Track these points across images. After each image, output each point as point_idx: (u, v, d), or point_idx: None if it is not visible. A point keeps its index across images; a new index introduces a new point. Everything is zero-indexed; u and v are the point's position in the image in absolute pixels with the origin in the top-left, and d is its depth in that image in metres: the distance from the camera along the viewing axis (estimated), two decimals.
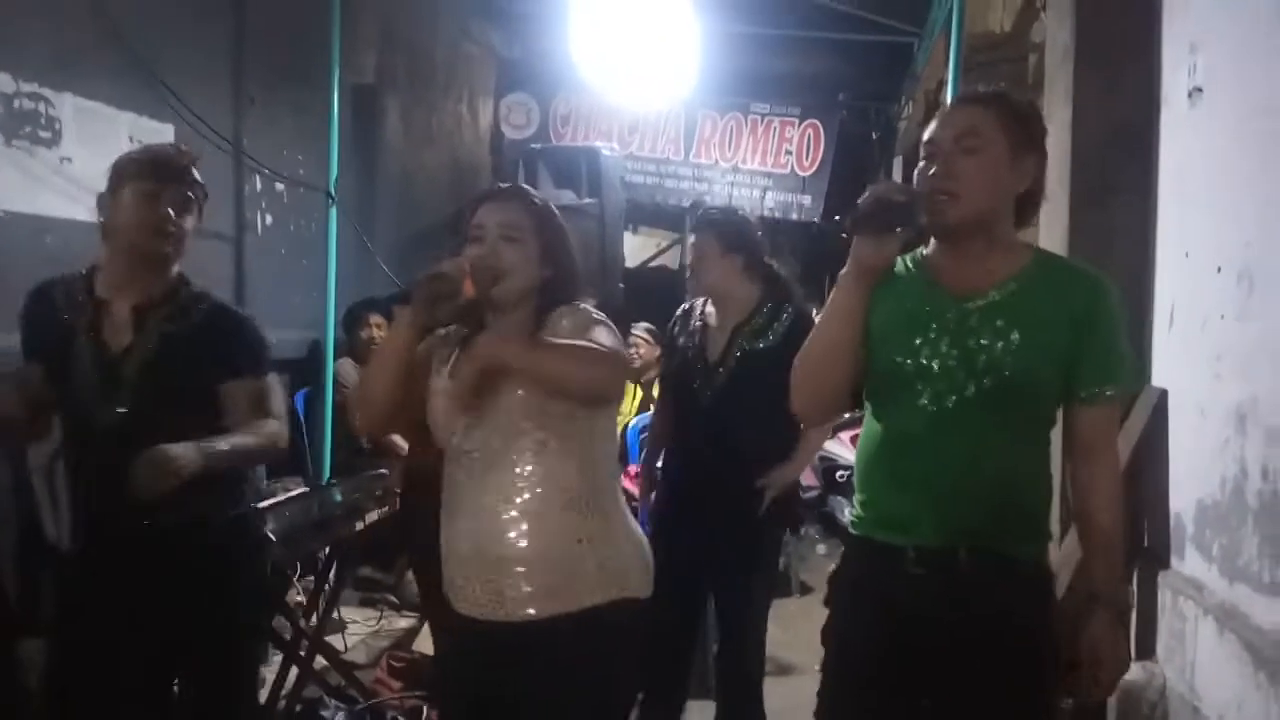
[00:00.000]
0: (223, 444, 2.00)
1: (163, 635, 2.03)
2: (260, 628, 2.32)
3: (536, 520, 1.70)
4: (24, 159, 3.02)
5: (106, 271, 2.06)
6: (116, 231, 2.02)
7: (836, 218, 1.75)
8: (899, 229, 1.62)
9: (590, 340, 1.70)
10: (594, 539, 1.74)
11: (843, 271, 1.69)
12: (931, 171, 1.64)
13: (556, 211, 1.87)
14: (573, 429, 1.74)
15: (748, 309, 2.82)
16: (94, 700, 2.02)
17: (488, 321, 1.79)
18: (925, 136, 1.69)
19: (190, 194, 2.05)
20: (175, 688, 2.12)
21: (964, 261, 1.67)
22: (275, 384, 2.21)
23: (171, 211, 2.00)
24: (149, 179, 2.00)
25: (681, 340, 2.92)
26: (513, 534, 1.70)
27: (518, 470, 1.72)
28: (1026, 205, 1.70)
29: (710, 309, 2.89)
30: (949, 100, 1.79)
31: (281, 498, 2.89)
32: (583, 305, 1.81)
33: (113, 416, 1.99)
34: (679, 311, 3.01)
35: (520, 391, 1.70)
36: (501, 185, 1.93)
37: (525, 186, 1.92)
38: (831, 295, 1.71)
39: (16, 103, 2.99)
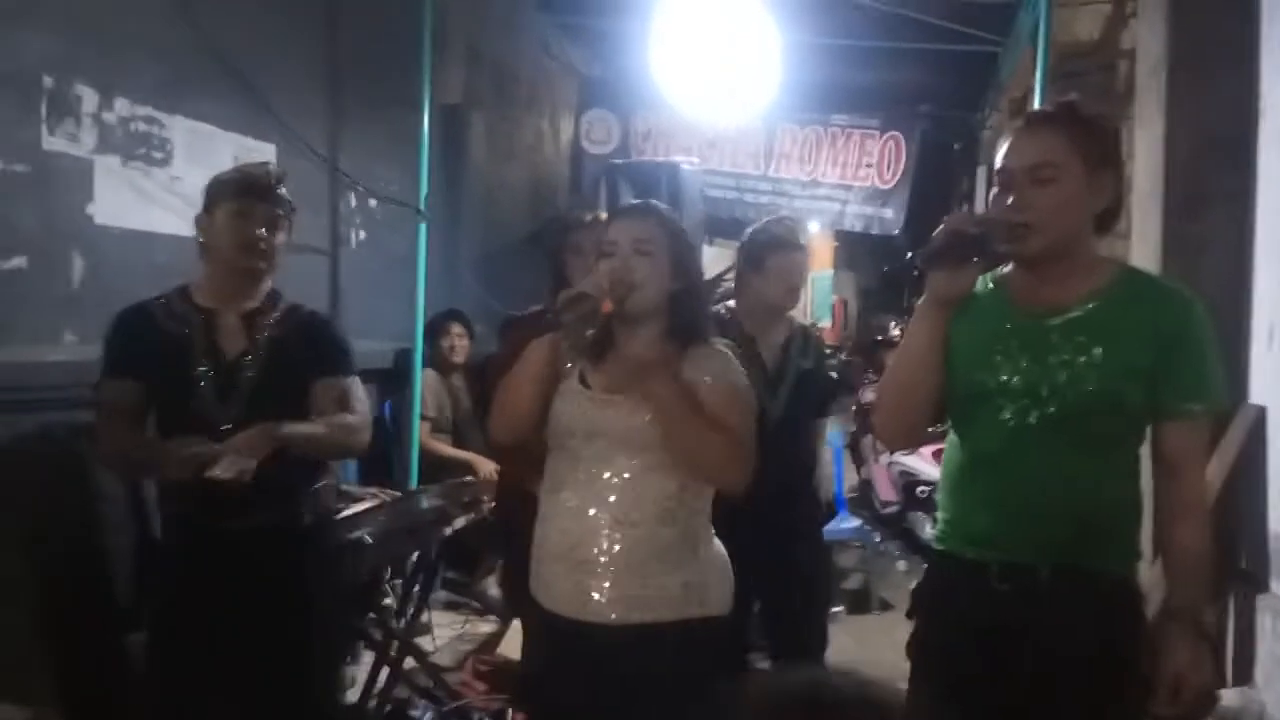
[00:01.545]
0: (303, 428, 2.11)
1: (244, 635, 2.11)
2: (336, 633, 2.39)
3: (631, 529, 1.75)
4: (139, 179, 3.19)
5: (207, 286, 2.19)
6: (213, 249, 2.15)
7: (909, 254, 1.72)
8: (974, 260, 1.63)
9: (731, 407, 1.76)
10: (683, 556, 1.79)
11: (920, 302, 1.71)
12: (1008, 201, 1.63)
13: (685, 228, 1.92)
14: None
15: (791, 326, 2.82)
16: (184, 693, 2.12)
17: (616, 331, 1.85)
18: (998, 161, 1.68)
19: (279, 211, 2.17)
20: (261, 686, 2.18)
21: (1044, 280, 1.67)
22: (358, 386, 2.30)
23: (263, 230, 2.13)
24: (240, 199, 2.12)
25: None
26: (606, 539, 1.75)
27: (624, 478, 1.77)
28: (1106, 218, 1.68)
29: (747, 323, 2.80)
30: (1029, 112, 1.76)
31: (373, 503, 2.99)
32: (722, 348, 1.86)
33: (230, 418, 2.09)
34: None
35: (649, 418, 1.75)
36: (633, 202, 2.02)
37: (656, 203, 1.97)
38: (911, 325, 1.74)
39: (132, 125, 3.17)
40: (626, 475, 1.77)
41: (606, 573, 1.75)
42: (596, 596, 1.75)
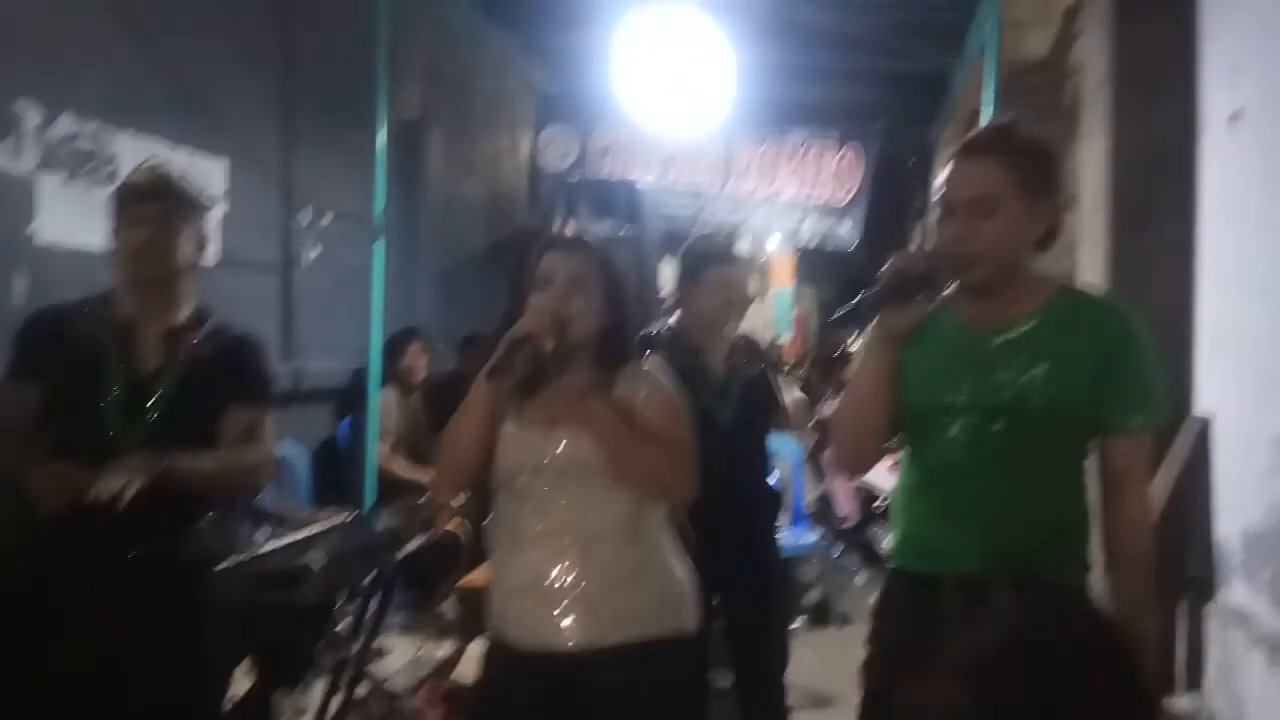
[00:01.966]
0: (193, 463, 1.98)
1: (128, 663, 1.98)
2: (211, 671, 2.23)
3: (594, 555, 1.74)
4: (84, 196, 3.13)
5: (124, 299, 2.07)
6: (114, 261, 2.04)
7: (858, 298, 1.73)
8: (921, 296, 1.66)
9: (668, 418, 1.77)
10: (650, 574, 1.78)
11: (869, 337, 1.74)
12: (950, 230, 1.66)
13: (619, 257, 1.93)
14: None
15: (733, 334, 2.79)
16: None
17: (547, 364, 1.81)
18: (939, 186, 1.70)
19: (170, 208, 2.03)
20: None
21: (989, 301, 1.70)
22: (270, 422, 2.18)
23: (153, 232, 1.99)
24: (126, 206, 2.02)
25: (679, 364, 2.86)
26: (569, 567, 1.74)
27: (579, 506, 1.76)
28: (1046, 238, 1.71)
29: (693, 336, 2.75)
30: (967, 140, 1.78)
31: (324, 526, 2.94)
32: (649, 365, 1.87)
33: (135, 437, 1.98)
34: (659, 334, 2.79)
35: (592, 443, 1.74)
36: (566, 233, 2.00)
37: (587, 234, 1.98)
38: (861, 359, 1.77)
39: (77, 142, 3.11)
40: (581, 502, 1.76)
41: (574, 601, 1.73)
42: (565, 625, 1.74)
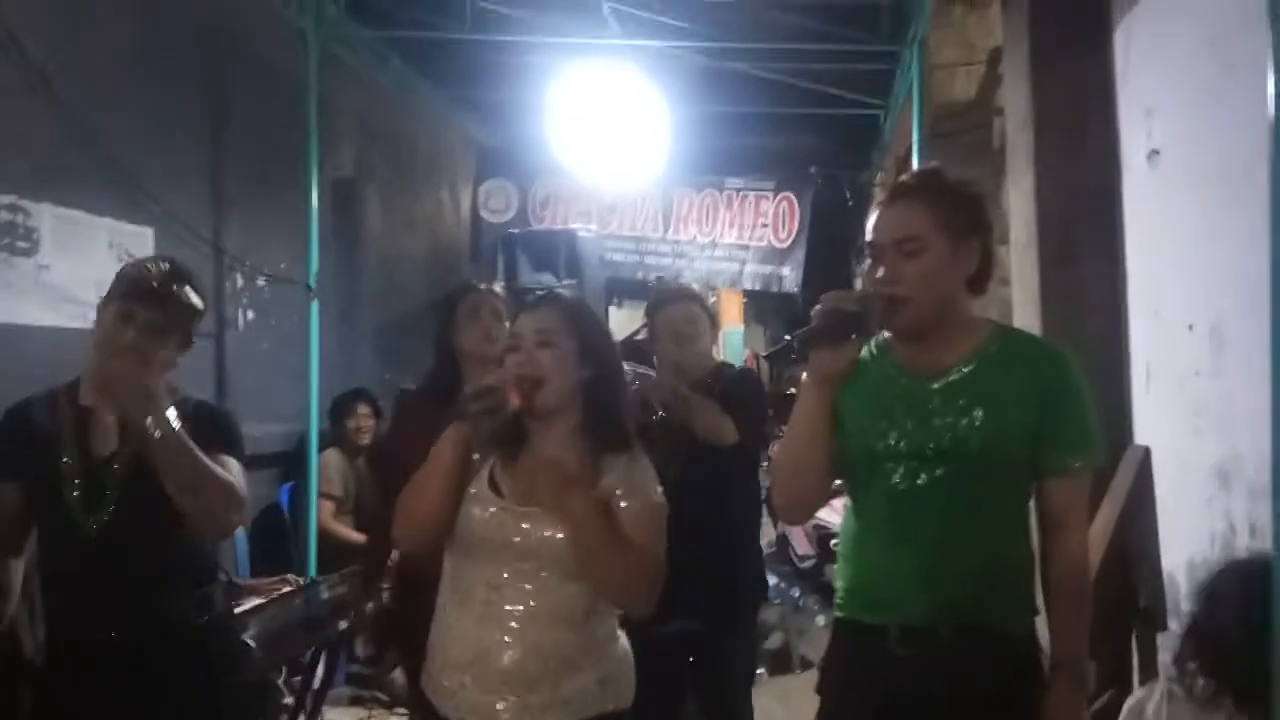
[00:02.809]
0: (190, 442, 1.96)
1: None
2: None
3: (539, 640, 1.69)
4: (2, 270, 3.03)
5: (92, 381, 2.04)
6: (95, 344, 2.01)
7: (787, 337, 1.76)
8: (853, 337, 1.65)
9: (647, 530, 1.71)
10: (596, 656, 1.74)
11: (804, 382, 1.73)
12: (878, 275, 1.67)
13: (593, 309, 1.89)
14: None
15: (703, 377, 2.81)
16: None
17: (530, 429, 1.79)
18: (868, 234, 1.71)
19: (163, 317, 2.02)
20: None
21: (924, 345, 1.70)
22: (242, 472, 2.14)
23: (137, 336, 1.97)
24: (123, 300, 1.99)
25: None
26: (512, 650, 1.69)
27: (534, 589, 1.71)
28: (978, 279, 1.72)
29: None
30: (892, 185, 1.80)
31: (265, 599, 2.84)
32: (641, 458, 1.80)
33: (96, 524, 1.96)
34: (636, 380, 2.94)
35: (563, 535, 1.68)
36: (539, 293, 1.95)
37: (561, 292, 1.93)
38: (796, 404, 1.75)
39: None
40: (536, 586, 1.71)
41: (512, 684, 1.68)
42: (502, 708, 1.68)
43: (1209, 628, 1.70)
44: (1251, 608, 1.55)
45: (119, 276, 2.06)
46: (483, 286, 2.65)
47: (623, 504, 1.72)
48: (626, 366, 2.02)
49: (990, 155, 4.50)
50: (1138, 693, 1.83)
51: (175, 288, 2.05)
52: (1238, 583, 1.73)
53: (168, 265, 2.11)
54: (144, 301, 2.00)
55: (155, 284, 2.04)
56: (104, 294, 2.05)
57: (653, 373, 2.86)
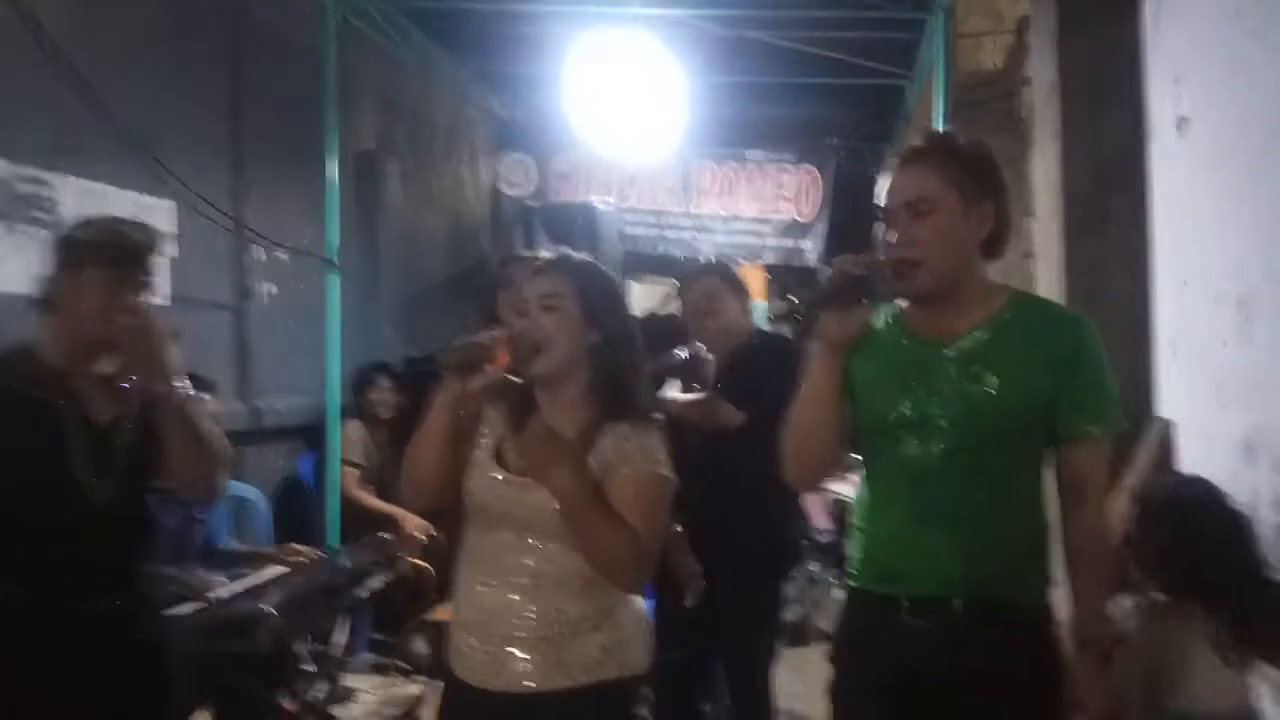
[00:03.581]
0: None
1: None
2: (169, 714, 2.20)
3: (547, 598, 1.70)
4: (26, 242, 3.06)
5: (59, 349, 1.97)
6: (72, 313, 1.94)
7: (795, 301, 1.74)
8: (863, 301, 1.63)
9: (642, 504, 1.67)
10: (602, 621, 1.74)
11: (814, 346, 1.70)
12: (890, 239, 1.64)
13: (604, 272, 1.85)
14: None
15: (734, 346, 2.89)
16: None
17: (538, 397, 1.78)
18: (882, 200, 1.69)
19: (148, 278, 1.98)
20: None
21: (938, 312, 1.67)
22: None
23: (134, 297, 1.94)
24: (112, 265, 1.93)
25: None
26: (521, 613, 1.70)
27: (538, 557, 1.72)
28: (992, 244, 1.69)
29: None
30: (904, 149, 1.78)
31: (281, 571, 2.87)
32: (652, 427, 1.75)
33: (105, 488, 1.94)
34: (685, 360, 3.04)
35: (556, 507, 1.67)
36: (547, 256, 1.90)
37: (568, 254, 1.88)
38: (807, 370, 1.72)
39: (15, 186, 3.04)
40: (541, 554, 1.72)
41: (522, 644, 1.70)
42: (512, 666, 1.70)
43: (1175, 548, 1.88)
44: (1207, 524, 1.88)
45: (89, 242, 1.97)
46: (524, 255, 2.69)
47: (624, 471, 1.69)
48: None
49: (1017, 126, 4.42)
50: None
51: (122, 241, 1.99)
52: (1194, 505, 1.96)
53: (128, 223, 2.06)
54: (136, 265, 1.97)
55: (142, 247, 2.00)
56: (66, 258, 1.95)
57: (683, 352, 2.99)
